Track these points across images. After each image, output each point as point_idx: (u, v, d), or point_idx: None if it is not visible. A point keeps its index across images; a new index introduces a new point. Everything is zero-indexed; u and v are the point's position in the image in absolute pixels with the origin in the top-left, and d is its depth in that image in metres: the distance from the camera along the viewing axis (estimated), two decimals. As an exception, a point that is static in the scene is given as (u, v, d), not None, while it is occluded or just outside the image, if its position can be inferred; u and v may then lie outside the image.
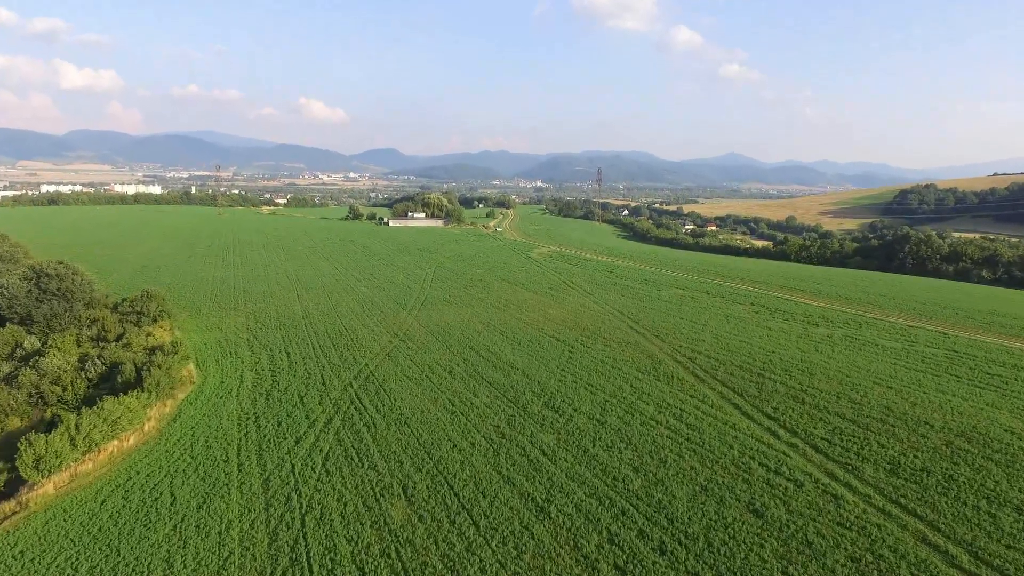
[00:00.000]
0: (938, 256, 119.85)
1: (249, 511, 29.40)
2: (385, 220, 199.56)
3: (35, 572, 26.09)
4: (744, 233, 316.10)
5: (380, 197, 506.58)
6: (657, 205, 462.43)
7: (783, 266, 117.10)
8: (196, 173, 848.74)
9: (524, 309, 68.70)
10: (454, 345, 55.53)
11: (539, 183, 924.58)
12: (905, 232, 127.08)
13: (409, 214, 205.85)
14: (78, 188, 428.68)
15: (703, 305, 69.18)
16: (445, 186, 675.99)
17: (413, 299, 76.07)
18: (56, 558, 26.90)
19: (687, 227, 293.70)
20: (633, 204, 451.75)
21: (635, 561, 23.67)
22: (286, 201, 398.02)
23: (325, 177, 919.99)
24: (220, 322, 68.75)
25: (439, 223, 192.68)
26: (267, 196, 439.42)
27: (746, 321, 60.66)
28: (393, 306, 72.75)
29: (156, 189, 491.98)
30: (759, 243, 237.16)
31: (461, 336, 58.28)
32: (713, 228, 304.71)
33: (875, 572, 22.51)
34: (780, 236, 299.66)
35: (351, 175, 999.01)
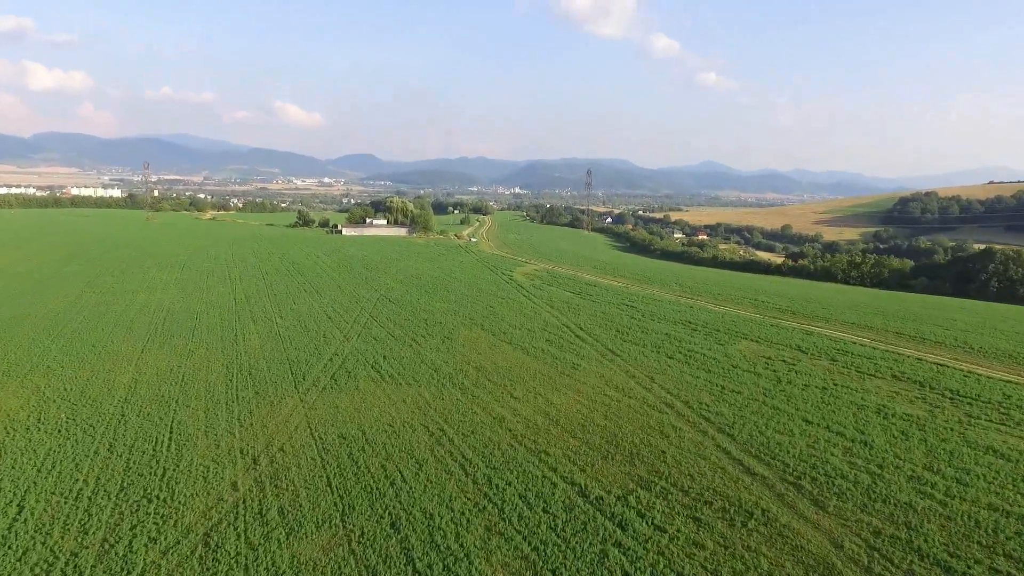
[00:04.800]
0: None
1: None
2: (338, 227, 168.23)
3: None
4: (738, 242, 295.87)
5: (353, 203, 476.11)
6: (640, 212, 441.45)
7: (845, 292, 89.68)
8: (165, 176, 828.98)
9: (508, 392, 38.88)
10: (361, 513, 25.32)
11: (517, 189, 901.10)
12: (987, 247, 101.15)
13: (368, 220, 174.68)
14: (31, 191, 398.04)
15: (815, 380, 40.23)
16: (421, 191, 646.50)
17: (323, 363, 45.65)
18: None
19: (676, 236, 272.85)
20: (616, 211, 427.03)
21: None
22: (241, 205, 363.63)
23: (299, 182, 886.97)
24: (-25, 408, 37.85)
25: (402, 231, 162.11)
26: (233, 201, 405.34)
27: (938, 432, 31.69)
28: (284, 378, 42.29)
29: (117, 193, 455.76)
30: (764, 255, 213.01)
31: (382, 477, 28.16)
32: (704, 237, 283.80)
33: None
34: (779, 246, 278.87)
35: (326, 180, 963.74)
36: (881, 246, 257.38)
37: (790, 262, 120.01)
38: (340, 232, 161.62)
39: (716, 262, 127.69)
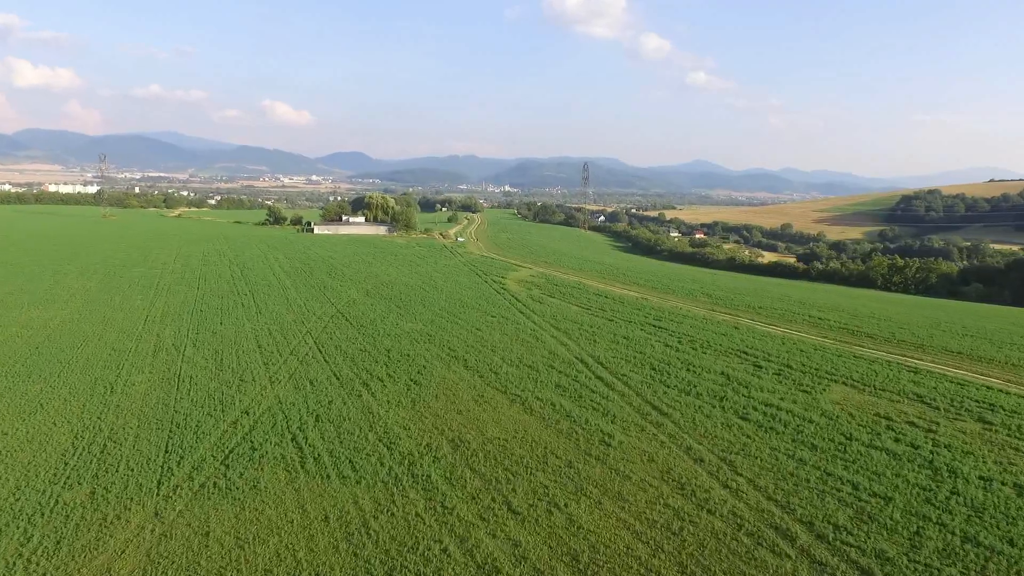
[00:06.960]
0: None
1: None
2: (311, 226, 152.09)
3: None
4: (737, 241, 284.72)
5: (339, 200, 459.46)
6: (634, 211, 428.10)
7: (901, 303, 75.52)
8: (149, 174, 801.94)
9: (503, 498, 23.68)
10: None
11: (508, 187, 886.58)
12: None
13: (344, 218, 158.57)
14: (7, 187, 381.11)
15: (988, 468, 25.52)
16: (410, 189, 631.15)
17: (221, 430, 30.18)
18: None
19: (673, 235, 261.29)
20: (609, 209, 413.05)
21: None
22: (216, 203, 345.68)
23: (286, 179, 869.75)
24: None
25: (381, 230, 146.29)
26: (216, 199, 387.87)
27: None
28: (148, 462, 26.78)
29: (95, 189, 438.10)
30: (769, 255, 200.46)
31: None
32: (702, 236, 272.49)
33: None
34: (781, 246, 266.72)
35: (314, 178, 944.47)
36: (890, 245, 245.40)
37: (819, 265, 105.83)
38: (312, 231, 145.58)
39: (734, 265, 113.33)
